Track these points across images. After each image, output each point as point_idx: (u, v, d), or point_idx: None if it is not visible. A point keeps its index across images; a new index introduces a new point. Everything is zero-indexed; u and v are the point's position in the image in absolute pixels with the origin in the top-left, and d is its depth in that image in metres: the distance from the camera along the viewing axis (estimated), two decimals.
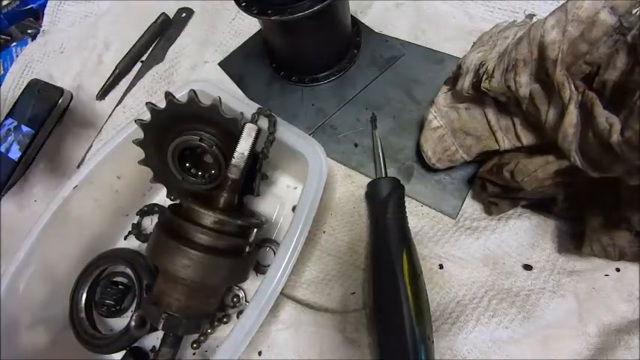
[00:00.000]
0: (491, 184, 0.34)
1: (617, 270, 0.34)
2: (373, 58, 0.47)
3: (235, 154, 0.31)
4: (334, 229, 0.39)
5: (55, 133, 0.52)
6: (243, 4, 0.37)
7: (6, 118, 0.53)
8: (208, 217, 0.30)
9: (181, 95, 0.35)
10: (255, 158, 0.34)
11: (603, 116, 0.24)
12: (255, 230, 0.34)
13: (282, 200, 0.42)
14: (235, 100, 0.37)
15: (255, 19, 0.39)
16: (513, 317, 0.33)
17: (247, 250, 0.33)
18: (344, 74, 0.47)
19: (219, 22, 0.54)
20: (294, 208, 0.40)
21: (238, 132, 0.32)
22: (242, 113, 0.33)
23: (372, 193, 0.38)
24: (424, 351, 0.29)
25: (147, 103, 0.34)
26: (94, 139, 0.49)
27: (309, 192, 0.32)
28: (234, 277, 0.32)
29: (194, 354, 0.38)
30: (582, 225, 0.31)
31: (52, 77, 0.55)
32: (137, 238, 0.43)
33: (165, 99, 0.33)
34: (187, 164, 0.37)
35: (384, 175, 0.38)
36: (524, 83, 0.29)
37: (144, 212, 0.43)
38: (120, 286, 0.39)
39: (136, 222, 0.43)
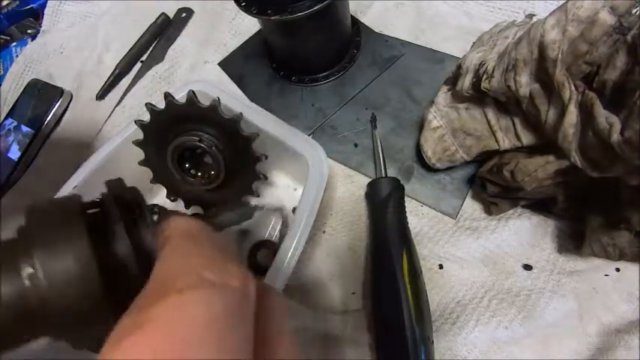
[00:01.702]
0: (492, 184, 0.34)
1: (617, 270, 0.34)
2: (373, 58, 0.47)
3: None
4: (334, 229, 0.39)
5: (55, 133, 0.52)
6: (243, 3, 0.37)
7: (6, 118, 0.53)
8: None
9: (181, 96, 0.35)
10: (256, 160, 0.34)
11: (603, 116, 0.24)
12: None
13: (282, 201, 0.42)
14: (235, 100, 0.37)
15: (255, 19, 0.39)
16: (513, 317, 0.33)
17: None
18: (344, 74, 0.47)
19: (219, 22, 0.54)
20: (294, 210, 0.40)
21: (238, 132, 0.32)
22: (241, 113, 0.33)
23: (372, 193, 0.38)
24: (424, 351, 0.29)
25: (146, 104, 0.34)
26: (93, 139, 0.49)
27: (310, 194, 0.32)
28: None
29: None
30: (582, 225, 0.31)
31: (52, 77, 0.55)
32: None
33: (165, 100, 0.33)
34: (187, 165, 0.37)
35: (384, 175, 0.38)
36: (524, 83, 0.29)
37: None
38: None
39: None
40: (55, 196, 0.37)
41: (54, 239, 0.14)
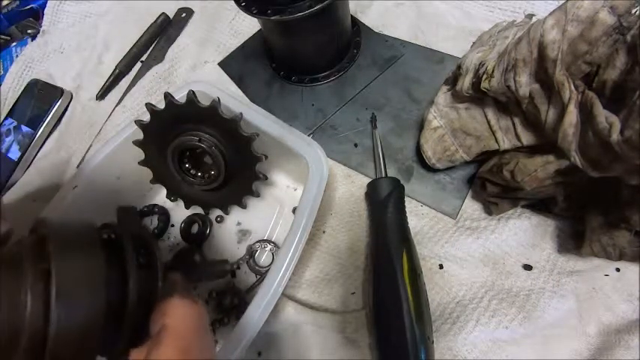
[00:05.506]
0: (491, 184, 0.34)
1: (617, 270, 0.34)
2: (373, 58, 0.47)
3: None
4: (334, 229, 0.39)
5: (55, 133, 0.52)
6: (243, 3, 0.37)
7: (6, 118, 0.53)
8: None
9: (181, 96, 0.35)
10: (256, 160, 0.34)
11: (603, 116, 0.24)
12: None
13: (281, 201, 0.42)
14: (234, 100, 0.37)
15: (255, 19, 0.39)
16: (513, 317, 0.33)
17: None
18: (344, 74, 0.47)
19: (219, 22, 0.54)
20: (294, 210, 0.40)
21: (237, 132, 0.32)
22: (241, 113, 0.33)
23: (372, 193, 0.38)
24: (424, 351, 0.29)
25: (146, 104, 0.34)
26: (93, 139, 0.49)
27: (310, 194, 0.32)
28: None
29: None
30: (582, 225, 0.31)
31: (52, 77, 0.55)
32: None
33: (165, 100, 0.33)
34: (187, 165, 0.37)
35: (384, 175, 0.38)
36: (524, 83, 0.29)
37: (144, 213, 0.43)
38: None
39: None
40: (55, 197, 0.37)
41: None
